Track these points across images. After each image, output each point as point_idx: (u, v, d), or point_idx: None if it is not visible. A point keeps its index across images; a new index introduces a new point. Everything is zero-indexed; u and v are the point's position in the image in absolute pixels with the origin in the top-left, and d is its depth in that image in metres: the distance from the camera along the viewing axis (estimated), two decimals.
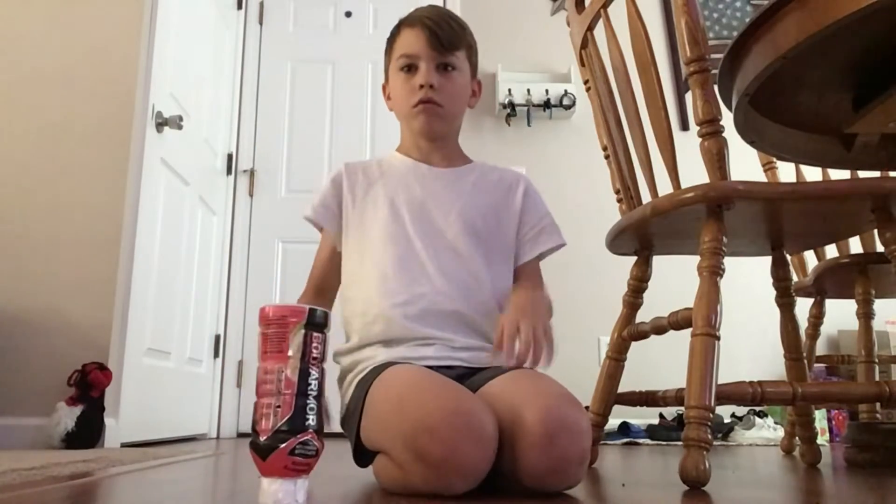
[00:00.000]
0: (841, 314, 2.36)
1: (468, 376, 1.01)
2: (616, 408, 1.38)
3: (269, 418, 0.69)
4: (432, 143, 1.18)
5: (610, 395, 1.38)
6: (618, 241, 1.35)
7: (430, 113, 1.13)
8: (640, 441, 2.46)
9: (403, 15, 1.19)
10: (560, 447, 0.81)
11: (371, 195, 1.16)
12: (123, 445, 1.99)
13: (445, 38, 1.12)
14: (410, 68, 1.14)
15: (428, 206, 1.14)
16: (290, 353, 0.70)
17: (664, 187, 1.15)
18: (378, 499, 0.85)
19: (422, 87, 1.11)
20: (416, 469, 0.81)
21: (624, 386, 1.38)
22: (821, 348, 2.49)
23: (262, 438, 0.69)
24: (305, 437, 0.69)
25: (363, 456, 0.97)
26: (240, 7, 3.24)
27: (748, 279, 2.46)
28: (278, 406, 0.69)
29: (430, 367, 0.99)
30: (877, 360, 1.83)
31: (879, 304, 1.85)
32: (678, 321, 1.17)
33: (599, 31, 1.33)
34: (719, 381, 1.01)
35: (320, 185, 1.21)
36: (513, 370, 0.98)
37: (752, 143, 1.26)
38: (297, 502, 0.69)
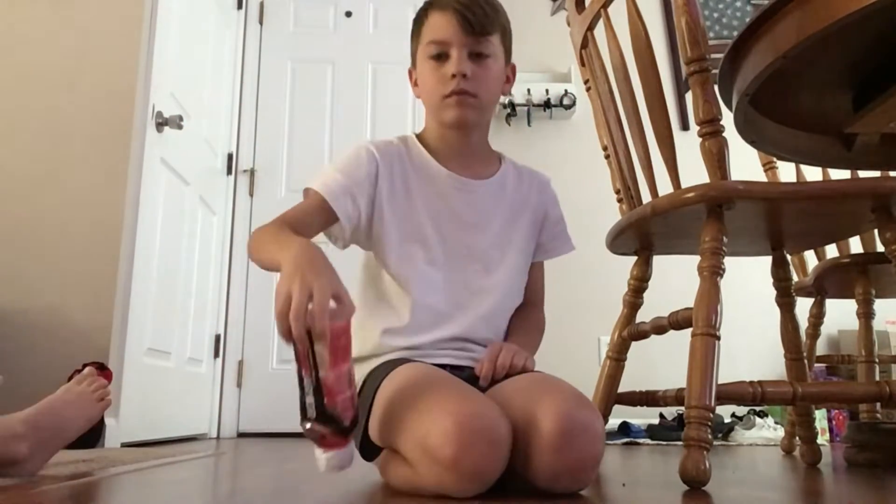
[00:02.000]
0: (841, 314, 2.35)
1: (477, 378, 1.01)
2: (616, 408, 1.38)
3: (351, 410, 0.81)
4: (461, 135, 1.10)
5: (610, 395, 1.38)
6: (618, 241, 1.35)
7: (464, 104, 1.04)
8: (640, 441, 2.46)
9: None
10: (576, 449, 0.81)
11: (409, 202, 1.08)
12: (123, 445, 1.99)
13: (478, 22, 1.03)
14: (441, 56, 1.05)
15: (467, 226, 1.09)
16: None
17: (664, 187, 1.15)
18: (380, 497, 0.85)
19: (454, 76, 1.03)
20: (428, 470, 0.81)
21: (624, 386, 1.38)
22: (821, 348, 2.49)
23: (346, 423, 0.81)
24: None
25: (369, 450, 0.97)
26: (240, 7, 3.23)
27: (748, 279, 2.46)
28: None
29: (441, 366, 0.99)
30: (877, 360, 1.83)
31: (879, 304, 1.85)
32: (678, 321, 1.17)
33: (599, 31, 1.33)
34: (719, 381, 1.01)
35: (346, 165, 1.06)
36: (523, 372, 0.98)
37: (752, 143, 1.25)
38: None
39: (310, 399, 0.79)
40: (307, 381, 0.79)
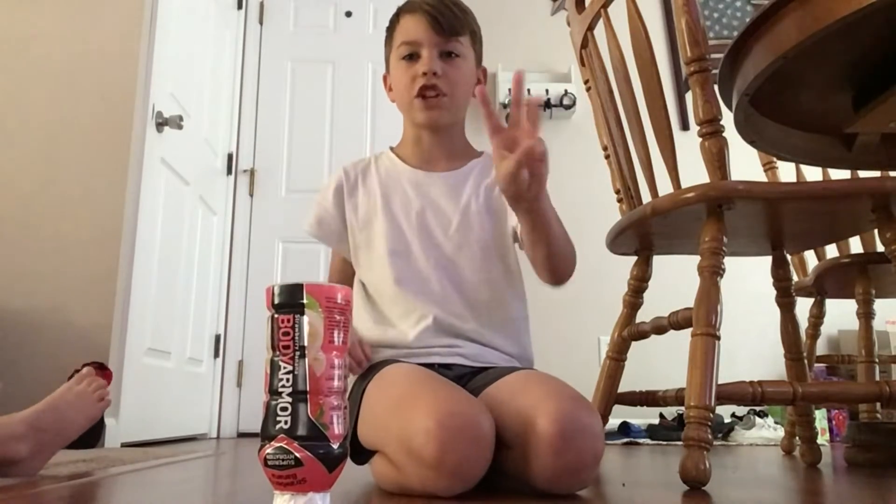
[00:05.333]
0: (841, 314, 2.35)
1: (468, 377, 1.01)
2: (616, 408, 1.38)
3: (341, 421, 0.61)
4: (436, 136, 1.13)
5: (610, 395, 1.38)
6: (618, 241, 1.35)
7: (434, 106, 1.08)
8: (641, 441, 2.46)
9: None
10: (575, 450, 0.80)
11: (372, 210, 1.13)
12: (123, 445, 1.99)
13: (447, 23, 1.07)
14: (412, 56, 1.09)
15: (427, 218, 1.10)
16: (337, 342, 0.62)
17: (664, 187, 1.15)
18: (377, 499, 0.85)
19: (424, 74, 1.06)
20: (411, 469, 0.81)
21: (624, 386, 1.38)
22: (821, 348, 2.49)
23: (336, 445, 0.60)
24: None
25: (360, 454, 0.97)
26: (240, 7, 3.23)
27: (748, 279, 2.46)
28: (345, 407, 0.62)
29: (429, 365, 0.99)
30: (877, 360, 1.82)
31: (879, 304, 1.85)
32: (678, 321, 1.17)
33: (599, 31, 1.33)
34: (719, 381, 1.01)
35: (320, 195, 1.17)
36: (518, 372, 0.98)
37: (752, 142, 1.25)
38: None
39: (284, 401, 0.59)
40: (281, 372, 0.60)
